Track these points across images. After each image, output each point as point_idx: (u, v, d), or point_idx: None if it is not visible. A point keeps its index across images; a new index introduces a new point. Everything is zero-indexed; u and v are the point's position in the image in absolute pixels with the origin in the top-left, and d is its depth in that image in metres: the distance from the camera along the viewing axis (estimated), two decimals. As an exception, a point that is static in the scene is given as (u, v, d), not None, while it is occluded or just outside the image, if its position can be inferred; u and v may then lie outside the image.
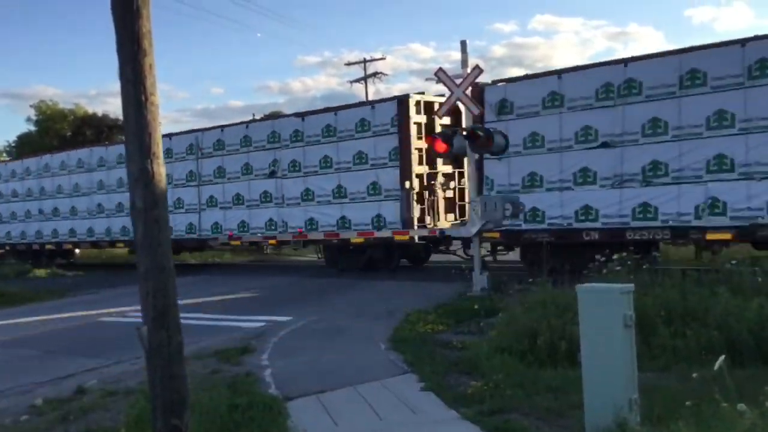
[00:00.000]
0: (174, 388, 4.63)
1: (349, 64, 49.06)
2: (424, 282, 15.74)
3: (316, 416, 6.45)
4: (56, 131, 49.41)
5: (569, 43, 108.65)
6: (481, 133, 13.16)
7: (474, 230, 13.45)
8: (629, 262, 9.70)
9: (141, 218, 4.71)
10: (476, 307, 10.97)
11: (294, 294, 15.37)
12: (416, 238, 17.19)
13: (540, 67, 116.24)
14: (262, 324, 11.49)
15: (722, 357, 3.85)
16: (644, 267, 9.60)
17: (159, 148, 4.79)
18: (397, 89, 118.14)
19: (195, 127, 22.01)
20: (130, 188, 4.82)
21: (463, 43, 13.81)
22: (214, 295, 15.84)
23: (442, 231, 16.81)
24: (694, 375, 4.46)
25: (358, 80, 47.38)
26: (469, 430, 5.81)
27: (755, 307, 7.45)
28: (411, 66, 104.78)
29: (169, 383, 4.63)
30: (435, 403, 6.63)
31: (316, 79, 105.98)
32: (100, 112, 50.11)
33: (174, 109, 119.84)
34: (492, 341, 8.36)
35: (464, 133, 13.27)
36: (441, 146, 13.40)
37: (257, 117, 29.21)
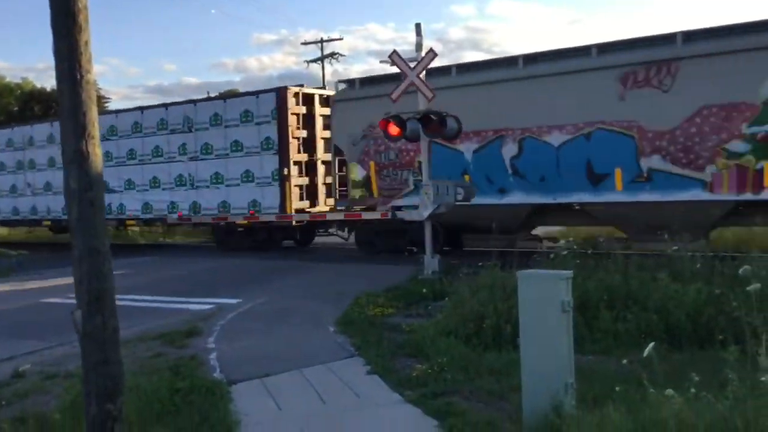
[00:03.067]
0: (108, 373, 4.54)
1: (306, 43, 48.77)
2: (375, 265, 15.77)
3: (259, 400, 6.42)
4: (3, 106, 47.88)
5: (526, 28, 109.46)
6: (434, 118, 13.17)
7: (426, 213, 13.50)
8: (575, 248, 9.89)
9: (75, 200, 4.59)
10: (425, 290, 11.04)
11: (244, 276, 15.24)
12: (299, 221, 19.24)
13: (498, 52, 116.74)
14: (210, 306, 11.36)
15: (651, 344, 3.94)
16: (590, 252, 9.78)
17: (95, 127, 4.65)
18: (355, 70, 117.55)
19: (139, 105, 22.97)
20: (64, 169, 4.69)
21: (418, 26, 13.75)
22: (162, 276, 15.60)
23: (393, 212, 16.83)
24: (624, 361, 4.56)
25: (314, 60, 47.05)
26: (411, 413, 5.86)
27: (693, 293, 7.66)
28: (369, 47, 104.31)
29: (103, 368, 4.54)
30: (379, 387, 6.67)
31: (272, 57, 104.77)
32: (48, 87, 48.53)
33: (125, 85, 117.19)
34: (439, 324, 8.42)
35: (418, 117, 13.27)
36: (394, 130, 13.37)
37: (212, 95, 28.79)
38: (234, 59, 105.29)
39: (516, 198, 15.14)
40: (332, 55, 46.91)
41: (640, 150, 13.64)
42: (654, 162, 13.52)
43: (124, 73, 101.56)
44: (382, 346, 8.08)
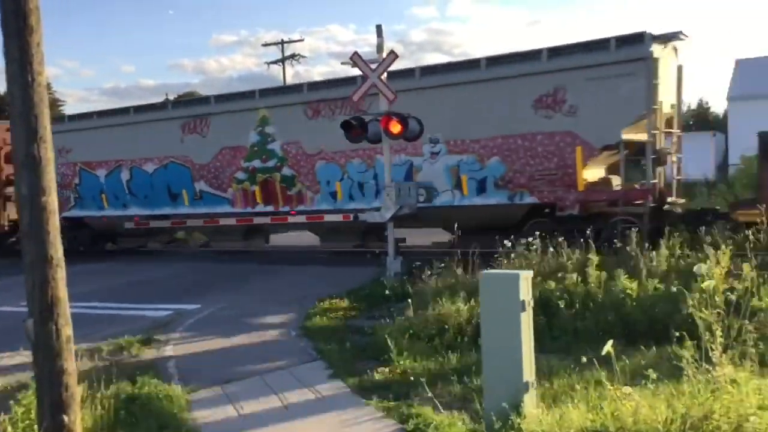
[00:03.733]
0: (62, 383, 4.44)
1: (266, 44, 48.13)
2: (338, 267, 15.72)
3: (219, 407, 6.32)
4: (-48, 109, 46.49)
5: (487, 30, 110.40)
6: (395, 119, 13.16)
7: (388, 215, 13.49)
8: (535, 247, 10.01)
9: (27, 205, 4.48)
10: (387, 292, 11.03)
11: (203, 281, 15.04)
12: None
13: (459, 54, 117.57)
14: (168, 313, 11.18)
15: (609, 342, 3.99)
16: (551, 251, 9.90)
17: (47, 131, 4.55)
18: (317, 72, 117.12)
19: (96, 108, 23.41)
20: (15, 174, 4.57)
21: (379, 28, 13.71)
22: (118, 282, 15.30)
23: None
24: (584, 359, 4.61)
25: (275, 62, 46.76)
26: (373, 416, 5.84)
27: (649, 289, 7.80)
28: (330, 48, 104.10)
29: (57, 378, 4.43)
30: (341, 390, 6.63)
31: (232, 59, 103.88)
32: (0, 90, 47.28)
33: (81, 87, 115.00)
34: (401, 326, 8.42)
35: (377, 118, 13.24)
36: (356, 131, 13.33)
37: (170, 97, 28.42)
38: (193, 60, 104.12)
39: (132, 211, 20.54)
40: (293, 56, 46.68)
41: (194, 177, 19.13)
42: (202, 185, 19.06)
43: (78, 76, 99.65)
44: (345, 349, 8.05)
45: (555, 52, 14.10)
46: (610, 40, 13.52)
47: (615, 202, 13.71)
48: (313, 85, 17.62)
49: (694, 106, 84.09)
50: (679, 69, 14.77)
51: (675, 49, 14.58)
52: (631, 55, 13.19)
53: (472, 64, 15.17)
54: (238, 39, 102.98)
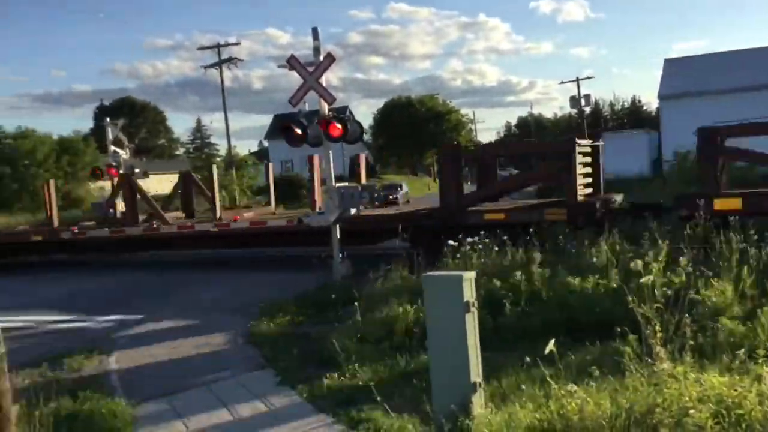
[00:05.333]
0: (-4, 404, 4.25)
1: (202, 48, 47.15)
2: (283, 273, 15.57)
3: (166, 420, 6.20)
4: None
5: (424, 32, 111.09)
6: (336, 122, 13.13)
7: (332, 218, 13.46)
8: (480, 246, 10.10)
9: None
10: (334, 296, 10.97)
11: (145, 290, 14.69)
12: None
13: (397, 56, 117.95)
14: (111, 324, 10.87)
15: (552, 341, 4.06)
16: (495, 249, 10.00)
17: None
18: (255, 75, 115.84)
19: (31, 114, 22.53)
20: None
21: (315, 30, 13.63)
22: (59, 293, 14.78)
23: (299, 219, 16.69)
24: (527, 359, 4.67)
25: (212, 65, 46.06)
26: (322, 423, 5.81)
27: (591, 285, 7.96)
28: (268, 51, 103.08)
29: (-10, 400, 4.24)
30: (290, 398, 6.57)
31: (167, 63, 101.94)
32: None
33: (12, 93, 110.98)
34: (349, 330, 8.38)
35: (317, 121, 13.20)
36: (296, 134, 13.25)
37: (105, 102, 27.72)
38: (126, 65, 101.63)
39: None
40: (230, 59, 46.05)
41: None
42: None
43: (7, 82, 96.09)
44: (293, 355, 7.98)
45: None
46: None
47: None
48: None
49: (628, 104, 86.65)
50: None
51: None
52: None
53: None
54: (173, 43, 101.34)
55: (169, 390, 7.04)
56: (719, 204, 10.95)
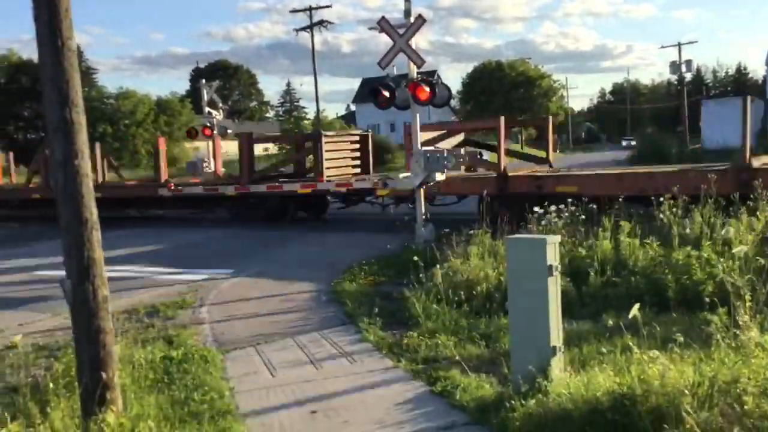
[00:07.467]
0: (100, 342, 4.57)
1: (294, 11, 47.92)
2: (368, 234, 15.79)
3: (253, 367, 6.47)
4: (-11, 78, 47.33)
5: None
6: (424, 85, 13.07)
7: (417, 182, 13.49)
8: (566, 214, 9.92)
9: (61, 169, 4.58)
10: (416, 258, 11.05)
11: (235, 246, 15.24)
12: None
13: (489, 19, 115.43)
14: (203, 277, 11.37)
15: (636, 305, 3.98)
16: (581, 218, 9.80)
17: (78, 95, 4.63)
18: (344, 39, 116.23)
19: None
20: (48, 138, 4.67)
21: (407, -8, 13.55)
22: (154, 247, 15.58)
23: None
24: (610, 323, 4.60)
25: (303, 29, 46.53)
26: (402, 378, 5.93)
27: (681, 257, 7.70)
28: (358, 14, 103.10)
29: (95, 337, 4.57)
30: (371, 353, 6.73)
31: (260, 26, 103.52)
32: (35, 59, 47.92)
33: (113, 56, 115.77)
34: (430, 292, 8.46)
35: (405, 84, 13.17)
36: (384, 96, 13.29)
37: (201, 65, 28.53)
38: (221, 28, 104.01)
39: None
40: (321, 22, 46.41)
41: None
42: None
43: (110, 44, 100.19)
44: (374, 313, 8.12)
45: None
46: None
47: None
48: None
49: (732, 71, 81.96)
50: None
51: None
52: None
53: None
54: (266, 6, 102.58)
55: (256, 340, 7.34)
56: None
